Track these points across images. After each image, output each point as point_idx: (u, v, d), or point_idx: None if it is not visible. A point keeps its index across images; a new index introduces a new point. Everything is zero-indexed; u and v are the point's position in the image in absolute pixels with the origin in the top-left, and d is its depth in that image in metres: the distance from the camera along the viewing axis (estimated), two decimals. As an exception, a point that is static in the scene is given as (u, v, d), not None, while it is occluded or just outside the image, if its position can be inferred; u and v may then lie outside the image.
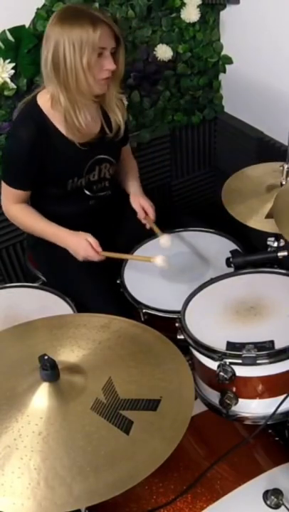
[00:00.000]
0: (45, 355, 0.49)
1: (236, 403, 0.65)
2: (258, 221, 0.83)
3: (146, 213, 0.96)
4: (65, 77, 0.80)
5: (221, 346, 0.64)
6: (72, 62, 0.78)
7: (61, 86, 0.81)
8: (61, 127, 0.86)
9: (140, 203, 0.97)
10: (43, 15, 1.01)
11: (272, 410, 0.62)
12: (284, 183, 0.86)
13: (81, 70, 0.78)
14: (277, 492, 0.59)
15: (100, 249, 0.86)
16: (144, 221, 0.96)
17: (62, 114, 0.83)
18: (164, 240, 0.89)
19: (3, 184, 0.90)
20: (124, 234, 1.04)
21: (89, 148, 0.89)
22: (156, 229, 0.93)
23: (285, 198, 0.72)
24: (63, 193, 0.92)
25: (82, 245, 0.86)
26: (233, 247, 0.93)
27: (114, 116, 0.90)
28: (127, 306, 0.86)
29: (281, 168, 0.85)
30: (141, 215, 0.97)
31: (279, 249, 0.78)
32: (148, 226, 0.96)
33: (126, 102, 1.01)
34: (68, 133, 0.85)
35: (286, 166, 0.84)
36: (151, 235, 0.99)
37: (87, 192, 0.93)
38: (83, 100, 0.83)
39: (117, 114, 0.90)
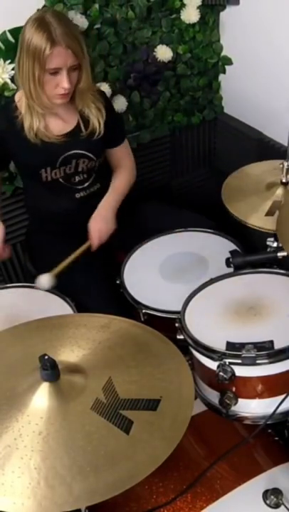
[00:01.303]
0: (45, 355, 0.50)
1: (236, 403, 0.65)
2: (258, 219, 0.83)
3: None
4: (24, 84, 0.84)
5: (221, 346, 0.64)
6: (27, 73, 0.82)
7: (22, 89, 0.86)
8: None
9: (93, 227, 0.91)
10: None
11: (271, 410, 0.62)
12: (284, 180, 0.86)
13: (33, 82, 0.82)
14: (276, 492, 0.59)
15: (1, 244, 0.84)
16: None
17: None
18: (43, 280, 0.83)
19: None
20: (123, 234, 1.04)
21: (62, 143, 0.90)
22: (64, 263, 0.86)
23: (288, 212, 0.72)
24: (42, 186, 0.92)
25: None
26: (233, 247, 0.93)
27: (90, 119, 0.91)
28: (127, 307, 0.86)
29: (281, 165, 0.86)
30: (88, 237, 0.90)
31: (278, 249, 0.78)
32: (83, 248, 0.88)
33: (126, 103, 1.02)
34: (28, 133, 0.87)
35: (286, 164, 0.85)
36: (152, 234, 0.99)
37: (65, 183, 0.94)
38: (39, 109, 0.86)
39: (93, 119, 0.91)
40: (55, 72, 0.81)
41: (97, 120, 0.91)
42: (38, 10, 1.01)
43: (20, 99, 0.89)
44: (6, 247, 0.87)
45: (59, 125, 0.91)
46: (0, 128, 0.89)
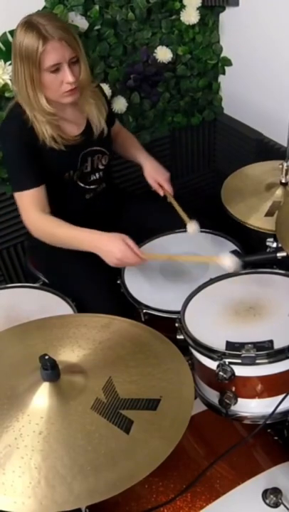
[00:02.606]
0: (45, 355, 0.50)
1: (236, 403, 0.65)
2: (257, 219, 0.83)
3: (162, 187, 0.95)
4: (22, 93, 0.81)
5: (221, 346, 0.64)
6: (23, 79, 0.79)
7: (21, 98, 0.83)
8: None
9: (155, 180, 0.96)
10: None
11: (271, 410, 0.63)
12: (283, 181, 0.87)
13: (31, 86, 0.79)
14: (276, 491, 0.59)
15: (139, 251, 0.77)
16: (163, 194, 0.95)
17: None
18: (191, 227, 0.88)
19: (17, 195, 0.85)
20: (123, 234, 1.04)
21: (79, 143, 0.89)
22: (178, 209, 0.92)
23: (287, 213, 0.72)
24: (60, 188, 0.91)
25: (119, 246, 0.76)
26: (233, 247, 0.94)
27: (92, 118, 0.90)
28: (128, 307, 0.86)
29: (280, 166, 0.86)
30: (159, 193, 0.96)
31: (278, 249, 0.79)
32: (168, 200, 0.95)
33: (126, 104, 1.03)
34: (47, 142, 0.84)
35: (285, 165, 0.85)
36: (152, 234, 1.00)
37: (81, 184, 0.93)
38: (41, 117, 0.82)
39: (93, 116, 0.90)
40: (56, 69, 0.78)
41: (97, 120, 0.91)
42: (38, 11, 1.02)
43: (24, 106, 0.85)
44: None
45: (71, 128, 0.89)
46: (18, 131, 0.83)
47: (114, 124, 1.03)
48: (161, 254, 0.85)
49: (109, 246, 0.78)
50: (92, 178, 0.95)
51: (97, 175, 0.96)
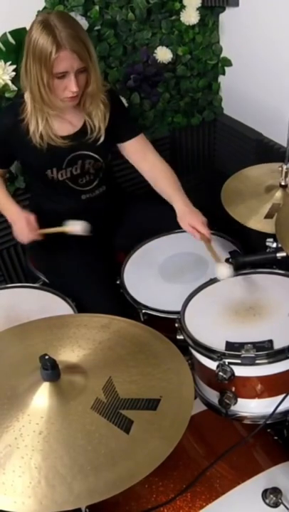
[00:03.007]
0: (45, 355, 0.50)
1: (235, 403, 0.66)
2: (257, 221, 0.84)
3: (200, 231, 0.86)
4: (31, 87, 0.83)
5: (220, 346, 0.65)
6: (35, 76, 0.81)
7: (29, 93, 0.84)
8: None
9: (189, 224, 0.87)
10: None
11: (271, 410, 0.63)
12: (283, 183, 0.87)
13: (42, 86, 0.81)
14: (276, 491, 0.59)
15: (34, 226, 0.88)
16: (201, 240, 0.86)
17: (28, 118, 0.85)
18: (221, 270, 0.77)
19: None
20: (123, 234, 1.04)
21: (68, 145, 0.90)
22: (212, 254, 0.84)
23: (288, 215, 0.72)
24: (48, 186, 0.93)
25: (19, 220, 0.89)
26: (233, 247, 0.94)
27: (93, 123, 0.91)
28: (127, 307, 0.86)
29: (280, 168, 0.86)
30: (196, 236, 0.87)
31: (278, 250, 0.79)
32: (205, 246, 0.86)
33: (126, 104, 1.02)
34: (33, 136, 0.86)
35: (285, 167, 0.85)
36: (152, 234, 1.00)
37: (71, 185, 0.94)
38: (50, 110, 0.85)
39: (96, 122, 0.90)
40: (63, 75, 0.80)
41: (98, 126, 0.91)
42: (38, 11, 1.02)
43: (27, 99, 0.87)
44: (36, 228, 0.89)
45: (65, 127, 0.90)
46: (6, 127, 0.88)
47: (134, 138, 0.96)
48: (53, 229, 0.89)
49: (15, 221, 0.90)
50: (83, 180, 0.95)
51: (88, 177, 0.95)
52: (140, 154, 0.98)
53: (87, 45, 0.81)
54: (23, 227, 0.88)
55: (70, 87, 0.81)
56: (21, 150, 0.90)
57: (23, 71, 0.84)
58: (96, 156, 0.94)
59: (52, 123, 0.87)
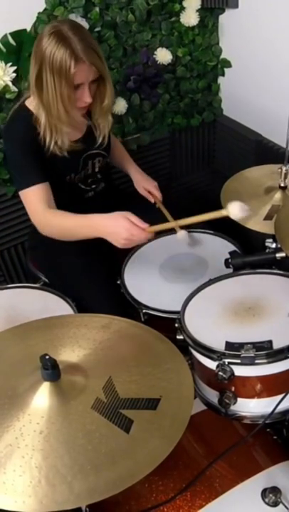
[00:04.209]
0: (46, 354, 0.50)
1: (235, 402, 0.66)
2: (256, 222, 0.84)
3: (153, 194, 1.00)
4: (48, 102, 0.81)
5: (220, 346, 0.65)
6: (53, 90, 0.79)
7: (43, 106, 0.82)
8: None
9: (144, 188, 1.01)
10: (44, 19, 1.02)
11: (270, 409, 0.63)
12: (282, 184, 0.87)
13: (61, 99, 0.80)
14: (275, 490, 0.59)
15: (145, 225, 0.73)
16: (154, 202, 0.99)
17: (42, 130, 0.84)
18: (181, 234, 0.91)
19: (22, 194, 0.85)
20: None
21: (81, 147, 0.90)
22: (166, 214, 0.96)
23: (287, 215, 0.73)
24: (61, 190, 0.92)
25: (123, 225, 0.74)
26: (232, 248, 0.94)
27: (100, 129, 0.92)
28: (127, 307, 0.87)
29: (279, 170, 0.86)
30: (150, 199, 1.01)
31: (277, 250, 0.79)
32: (157, 206, 0.99)
33: (126, 105, 1.04)
34: (52, 148, 0.85)
35: (284, 168, 0.85)
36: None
37: (82, 186, 0.95)
38: (61, 126, 0.83)
39: (101, 128, 0.92)
40: (77, 87, 0.80)
41: (103, 131, 0.92)
42: (39, 13, 1.02)
43: (36, 109, 0.84)
44: None
45: (73, 133, 0.90)
46: (23, 132, 0.84)
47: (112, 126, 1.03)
48: (167, 224, 0.80)
49: (115, 227, 0.75)
50: (92, 180, 0.96)
51: (96, 176, 0.97)
52: None
53: (101, 56, 0.82)
54: (131, 230, 0.73)
55: (85, 97, 0.81)
56: (41, 160, 0.86)
57: (34, 84, 0.81)
58: (103, 152, 0.95)
59: (65, 132, 0.86)
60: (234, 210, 0.68)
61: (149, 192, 1.02)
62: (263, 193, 0.90)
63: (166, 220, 0.93)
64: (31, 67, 0.82)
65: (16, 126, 0.87)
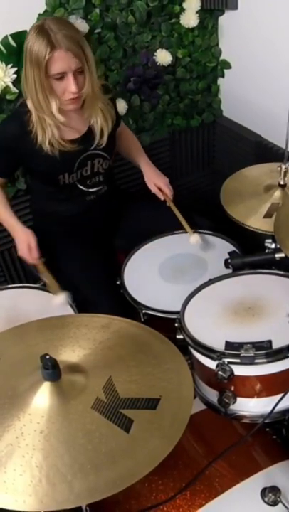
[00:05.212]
0: (46, 354, 0.50)
1: (234, 402, 0.66)
2: (256, 221, 0.84)
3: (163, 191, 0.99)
4: (31, 96, 0.83)
5: (220, 346, 0.65)
6: (33, 82, 0.81)
7: (31, 102, 0.84)
8: None
9: (155, 184, 1.00)
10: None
11: (269, 409, 0.63)
12: (282, 183, 0.87)
13: (41, 91, 0.81)
14: (274, 489, 0.59)
15: (36, 255, 0.89)
16: (164, 200, 0.99)
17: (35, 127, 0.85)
18: (194, 238, 0.93)
19: None
20: (123, 234, 1.05)
21: (77, 147, 0.90)
22: (177, 213, 0.96)
23: (287, 215, 0.73)
24: (58, 190, 0.93)
25: (20, 241, 0.90)
26: (232, 248, 0.94)
27: (95, 128, 0.91)
28: (127, 307, 0.87)
29: (279, 168, 0.87)
30: (159, 196, 0.99)
31: (276, 250, 0.79)
32: (167, 204, 0.98)
33: (126, 107, 1.03)
34: (43, 145, 0.86)
35: (284, 167, 0.86)
36: (152, 235, 1.00)
37: (81, 187, 0.95)
38: (50, 120, 0.84)
39: (97, 127, 0.91)
40: (61, 77, 0.80)
41: (100, 131, 0.91)
42: (39, 14, 1.03)
43: (32, 107, 0.86)
44: (37, 251, 0.90)
45: (71, 132, 0.90)
46: (14, 136, 0.87)
47: (119, 126, 1.03)
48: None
49: (17, 239, 0.92)
50: (92, 181, 0.96)
51: (97, 178, 0.96)
52: (119, 133, 1.02)
53: (83, 46, 0.81)
54: (23, 249, 0.90)
55: (69, 87, 0.80)
56: (32, 159, 0.89)
57: (23, 79, 0.84)
58: (104, 153, 0.94)
59: (59, 130, 0.86)
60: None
61: (160, 189, 1.00)
62: (263, 191, 0.90)
63: (176, 219, 0.96)
64: (23, 64, 0.83)
65: (9, 125, 0.89)
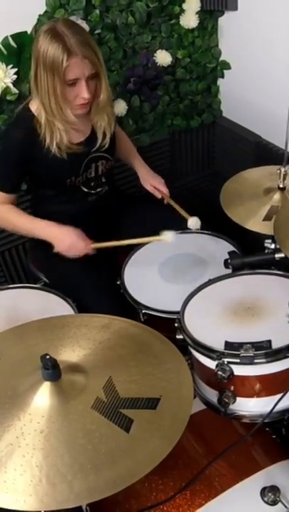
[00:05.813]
0: (46, 354, 0.50)
1: (234, 402, 0.66)
2: (256, 223, 0.85)
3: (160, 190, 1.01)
4: (43, 99, 0.82)
5: (220, 346, 0.65)
6: (46, 87, 0.80)
7: (42, 105, 0.84)
8: None
9: (151, 184, 1.02)
10: (44, 21, 1.02)
11: (269, 409, 0.63)
12: (281, 185, 0.88)
13: (54, 97, 0.81)
14: (274, 489, 0.60)
15: (88, 240, 0.87)
16: (163, 198, 1.00)
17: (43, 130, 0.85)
18: (192, 222, 0.92)
19: None
20: (124, 234, 1.05)
21: (83, 150, 0.90)
22: (178, 208, 0.97)
23: (286, 218, 0.73)
24: (61, 192, 0.93)
25: (69, 234, 0.87)
26: (231, 248, 0.95)
27: (99, 131, 0.92)
28: (127, 307, 0.87)
29: (278, 171, 0.87)
30: (156, 195, 1.01)
31: (276, 251, 0.80)
32: (166, 202, 1.00)
33: (126, 107, 1.04)
34: (51, 148, 0.86)
35: (283, 169, 0.86)
36: (152, 234, 1.01)
37: (84, 189, 0.95)
38: (60, 125, 0.84)
39: (101, 130, 0.91)
40: (73, 83, 0.80)
41: (103, 134, 0.91)
42: (39, 15, 1.03)
43: (37, 110, 0.85)
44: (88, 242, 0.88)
45: (76, 135, 0.90)
46: (20, 143, 0.85)
47: (115, 127, 1.04)
48: (109, 243, 0.89)
49: (61, 235, 0.88)
50: (95, 183, 0.96)
51: (100, 179, 0.97)
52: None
53: (96, 51, 0.82)
54: (75, 241, 0.87)
55: (82, 93, 0.81)
56: (41, 164, 0.88)
57: (32, 83, 0.83)
58: (107, 155, 0.95)
59: (65, 133, 0.86)
60: (166, 237, 0.84)
61: (156, 188, 1.02)
62: (262, 194, 0.90)
63: (178, 215, 0.97)
64: (31, 67, 0.83)
65: (16, 131, 0.88)
